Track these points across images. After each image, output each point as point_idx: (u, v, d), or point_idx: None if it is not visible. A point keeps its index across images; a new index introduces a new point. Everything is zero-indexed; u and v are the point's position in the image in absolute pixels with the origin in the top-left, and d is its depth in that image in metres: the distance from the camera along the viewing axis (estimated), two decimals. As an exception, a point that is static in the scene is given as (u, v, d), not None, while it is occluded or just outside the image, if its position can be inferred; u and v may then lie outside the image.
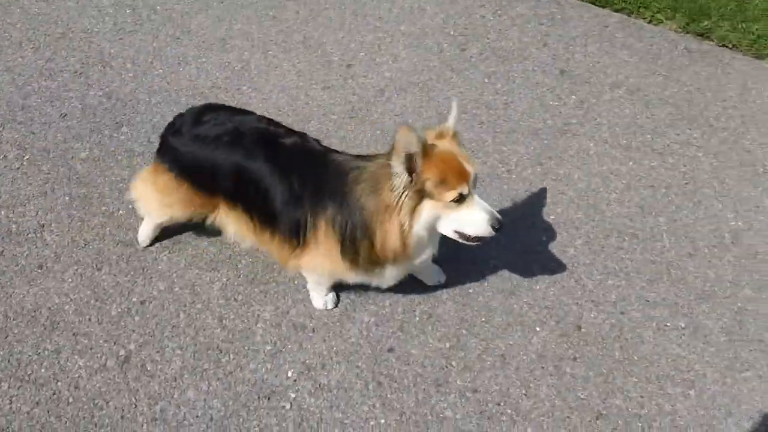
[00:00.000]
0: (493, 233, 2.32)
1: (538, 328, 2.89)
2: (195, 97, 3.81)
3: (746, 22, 4.70)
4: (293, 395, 2.59)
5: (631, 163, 3.66)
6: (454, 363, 2.75)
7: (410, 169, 2.16)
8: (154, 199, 2.77)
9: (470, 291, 3.00)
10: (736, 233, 3.33)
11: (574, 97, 4.09)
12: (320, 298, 2.87)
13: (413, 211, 2.24)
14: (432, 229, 2.34)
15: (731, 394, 2.73)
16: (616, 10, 4.79)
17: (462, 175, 2.23)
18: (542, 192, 3.45)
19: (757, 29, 4.64)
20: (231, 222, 2.67)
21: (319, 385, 2.63)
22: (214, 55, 4.16)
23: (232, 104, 3.79)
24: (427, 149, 2.17)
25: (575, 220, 3.33)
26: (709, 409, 2.68)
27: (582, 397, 2.68)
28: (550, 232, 3.27)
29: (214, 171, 2.53)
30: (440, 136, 2.32)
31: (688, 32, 4.65)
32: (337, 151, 2.58)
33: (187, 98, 3.80)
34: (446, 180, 2.20)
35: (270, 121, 2.68)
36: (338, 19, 4.65)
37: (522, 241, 3.21)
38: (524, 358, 2.79)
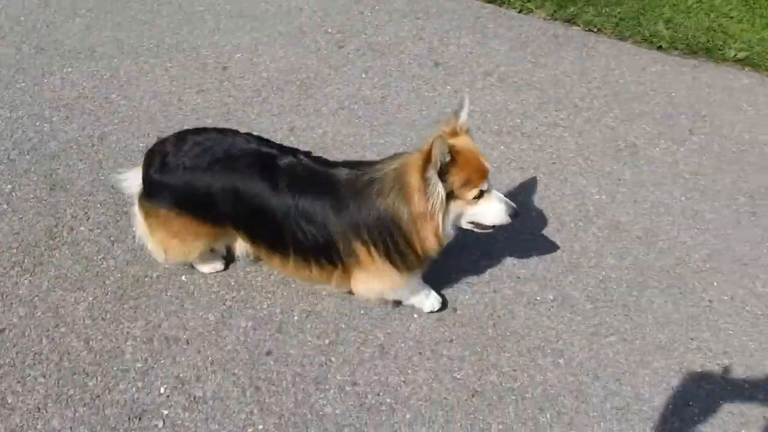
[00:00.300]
0: (510, 221, 2.46)
1: (415, 315, 2.89)
2: (59, 109, 3.64)
3: (609, 6, 4.89)
4: (166, 412, 2.49)
5: (502, 147, 3.73)
6: (333, 359, 2.72)
7: (441, 176, 2.20)
8: (176, 246, 2.63)
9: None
10: (599, 206, 3.45)
11: (448, 87, 4.14)
12: (426, 300, 2.85)
13: (445, 213, 2.31)
14: (457, 224, 2.46)
15: (598, 359, 2.82)
16: (489, 2, 4.89)
17: (482, 173, 2.33)
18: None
19: (619, 12, 4.83)
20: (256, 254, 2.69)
21: (194, 398, 2.54)
22: (81, 64, 3.99)
23: (100, 114, 3.68)
24: (453, 155, 2.19)
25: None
26: (578, 375, 2.75)
27: (458, 377, 2.70)
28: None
29: (213, 200, 2.44)
30: (454, 133, 2.34)
31: (556, 19, 4.79)
32: (334, 164, 2.52)
33: (51, 111, 3.63)
34: (470, 180, 2.29)
35: (260, 139, 2.56)
36: (214, 21, 4.56)
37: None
38: (402, 345, 2.79)
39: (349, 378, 2.66)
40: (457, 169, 2.24)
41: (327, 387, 2.62)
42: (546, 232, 3.28)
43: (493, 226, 2.49)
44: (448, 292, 2.99)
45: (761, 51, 4.54)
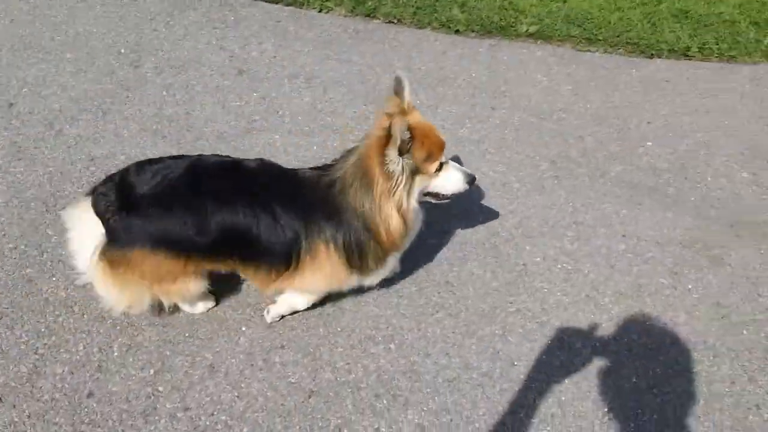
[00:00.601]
0: (468, 187, 2.76)
1: (243, 328, 2.99)
2: None
3: (406, -4, 5.23)
4: (-21, 476, 2.43)
5: (315, 147, 3.91)
6: (161, 388, 2.76)
7: (401, 153, 2.41)
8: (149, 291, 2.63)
9: (170, 309, 3.01)
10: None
11: (255, 94, 4.26)
12: (303, 303, 2.98)
13: (409, 189, 2.52)
14: (419, 198, 2.67)
15: (426, 337, 3.06)
16: (288, 5, 5.07)
17: (441, 146, 2.60)
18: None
19: (416, 1, 5.18)
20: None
21: (10, 456, 2.49)
22: None
23: None
24: (412, 131, 2.38)
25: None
26: (409, 356, 2.98)
27: (293, 381, 2.83)
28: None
29: (192, 228, 2.48)
30: (403, 111, 2.53)
31: (356, 15, 5.06)
32: (295, 170, 2.72)
33: None
34: (431, 154, 2.55)
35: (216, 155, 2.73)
36: (-8, 57, 4.39)
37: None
38: (233, 361, 2.88)
39: (180, 404, 2.71)
40: (417, 144, 2.46)
41: (157, 418, 2.66)
42: (365, 224, 3.49)
43: (452, 196, 2.77)
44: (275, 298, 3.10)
45: (550, 23, 5.07)
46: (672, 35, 5.16)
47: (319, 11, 5.04)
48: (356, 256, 2.61)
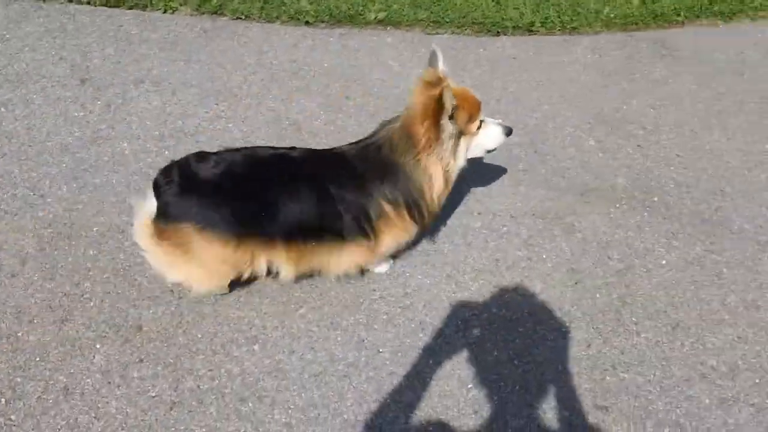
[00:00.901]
0: (506, 138, 3.10)
1: (98, 345, 2.95)
2: None
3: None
4: None
5: (166, 152, 3.88)
6: (13, 417, 2.70)
7: (450, 119, 2.70)
8: (213, 273, 2.87)
9: (19, 334, 2.94)
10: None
11: (99, 102, 4.16)
12: (386, 264, 3.40)
13: (456, 151, 2.81)
14: (468, 156, 2.98)
15: (291, 334, 3.12)
16: (130, 8, 4.97)
17: (478, 106, 2.90)
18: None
19: (265, -4, 5.19)
20: (286, 261, 2.90)
21: None
22: None
23: None
24: (457, 98, 2.67)
25: (121, 224, 3.43)
26: (274, 355, 3.03)
27: (153, 394, 2.83)
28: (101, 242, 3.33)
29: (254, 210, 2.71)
30: (439, 80, 2.76)
31: (202, 13, 5.03)
32: (332, 149, 2.98)
33: None
34: (472, 116, 2.84)
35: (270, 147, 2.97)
36: None
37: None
38: (88, 381, 2.84)
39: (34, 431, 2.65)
40: (459, 109, 2.73)
41: (10, 449, 2.59)
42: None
43: (493, 149, 3.13)
44: (131, 312, 3.09)
45: (398, 9, 5.23)
46: (516, 12, 5.43)
47: (164, 12, 4.97)
48: (416, 211, 2.91)
